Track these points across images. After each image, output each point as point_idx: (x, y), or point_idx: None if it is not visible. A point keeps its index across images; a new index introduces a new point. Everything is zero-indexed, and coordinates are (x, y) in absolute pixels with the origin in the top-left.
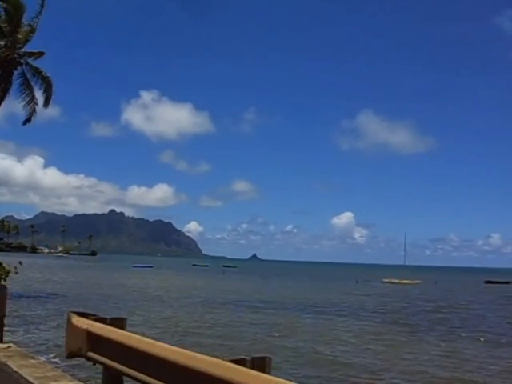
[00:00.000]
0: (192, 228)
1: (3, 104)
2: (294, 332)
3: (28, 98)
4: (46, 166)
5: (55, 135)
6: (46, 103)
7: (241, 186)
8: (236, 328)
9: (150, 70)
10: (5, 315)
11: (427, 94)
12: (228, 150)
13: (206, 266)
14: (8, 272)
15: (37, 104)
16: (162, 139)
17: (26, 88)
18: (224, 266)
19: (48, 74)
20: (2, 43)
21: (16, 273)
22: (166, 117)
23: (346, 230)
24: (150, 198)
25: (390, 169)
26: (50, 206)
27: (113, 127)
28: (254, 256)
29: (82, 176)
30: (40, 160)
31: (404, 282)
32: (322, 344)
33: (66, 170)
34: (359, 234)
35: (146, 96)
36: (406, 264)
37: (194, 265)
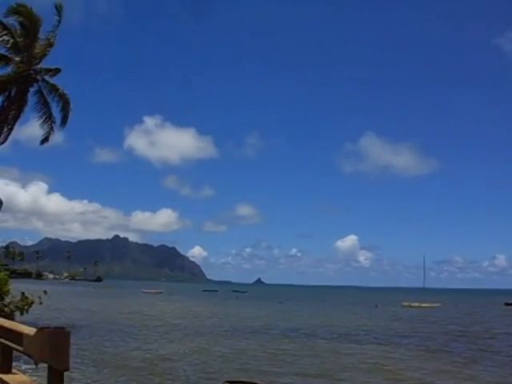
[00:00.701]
0: (196, 253)
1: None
2: (346, 366)
3: (45, 117)
4: (49, 191)
5: (59, 161)
6: (64, 122)
7: (244, 210)
8: (296, 361)
9: (153, 95)
10: (67, 369)
11: (430, 115)
12: (231, 175)
13: (216, 290)
14: (32, 303)
15: (54, 122)
16: (165, 164)
17: (43, 106)
18: (233, 291)
19: (65, 92)
20: (18, 59)
21: (41, 303)
22: (169, 142)
23: (350, 253)
24: (154, 223)
25: (394, 191)
26: (53, 232)
27: (116, 153)
28: (259, 280)
29: (85, 202)
30: (44, 186)
31: (424, 305)
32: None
33: (69, 195)
34: (363, 257)
35: (149, 121)
36: (426, 287)
37: (204, 290)
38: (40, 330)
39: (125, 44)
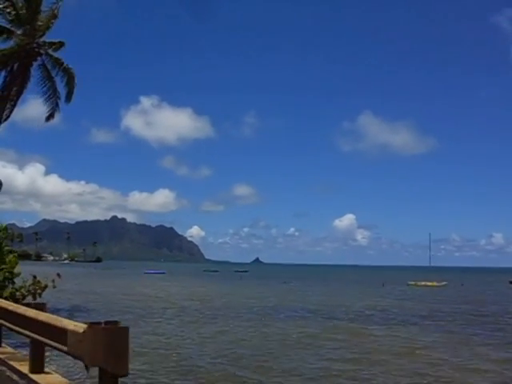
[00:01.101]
0: (194, 233)
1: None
2: (377, 350)
3: (49, 92)
4: (46, 173)
5: (56, 142)
6: (69, 97)
7: (242, 189)
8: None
9: (150, 76)
10: (126, 374)
11: (427, 94)
12: (229, 154)
13: (217, 271)
14: (45, 287)
15: (59, 98)
16: (162, 144)
17: (47, 81)
18: (235, 271)
19: (70, 66)
20: (20, 32)
21: (54, 287)
22: (166, 122)
23: (347, 231)
24: (152, 203)
25: (392, 170)
26: (51, 214)
27: (113, 133)
28: (257, 260)
29: (83, 183)
30: (41, 167)
31: (429, 284)
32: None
33: (66, 176)
34: (361, 236)
35: (146, 102)
36: (432, 265)
37: (205, 270)
38: (92, 325)
39: (122, 24)
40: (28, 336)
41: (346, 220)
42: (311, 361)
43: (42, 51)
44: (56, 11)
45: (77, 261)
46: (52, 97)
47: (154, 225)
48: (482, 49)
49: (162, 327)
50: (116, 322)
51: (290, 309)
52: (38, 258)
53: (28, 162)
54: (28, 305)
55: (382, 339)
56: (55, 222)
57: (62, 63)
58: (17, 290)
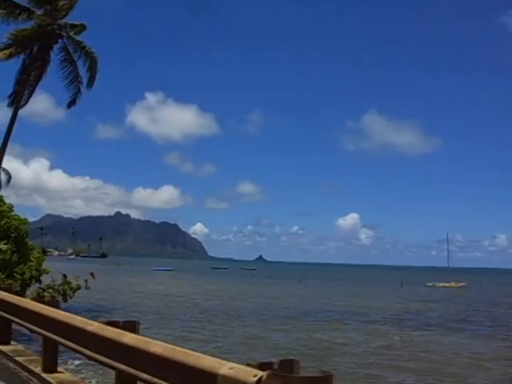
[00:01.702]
0: (198, 230)
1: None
2: (441, 359)
3: (71, 76)
4: (51, 168)
5: (60, 137)
6: (91, 83)
7: (246, 187)
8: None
9: (155, 72)
10: None
11: (433, 94)
12: (233, 152)
13: (226, 268)
14: (78, 288)
15: (81, 83)
16: (167, 141)
17: (69, 64)
18: (242, 269)
19: (92, 49)
20: (41, 12)
21: (87, 287)
22: (171, 118)
23: (351, 231)
24: (156, 199)
25: (396, 169)
26: (55, 209)
27: (118, 129)
28: (261, 257)
29: (87, 178)
30: (45, 162)
31: (448, 285)
32: None
33: (71, 172)
34: (365, 235)
35: (151, 98)
36: (450, 266)
37: (214, 268)
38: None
39: (127, 20)
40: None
41: (350, 219)
42: (366, 365)
43: (63, 33)
44: None
45: (82, 256)
46: (74, 81)
47: (157, 221)
48: (488, 49)
49: (195, 331)
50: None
51: (320, 310)
52: (44, 252)
53: (33, 156)
54: (113, 324)
55: (437, 347)
56: (59, 217)
57: (85, 46)
58: (44, 290)
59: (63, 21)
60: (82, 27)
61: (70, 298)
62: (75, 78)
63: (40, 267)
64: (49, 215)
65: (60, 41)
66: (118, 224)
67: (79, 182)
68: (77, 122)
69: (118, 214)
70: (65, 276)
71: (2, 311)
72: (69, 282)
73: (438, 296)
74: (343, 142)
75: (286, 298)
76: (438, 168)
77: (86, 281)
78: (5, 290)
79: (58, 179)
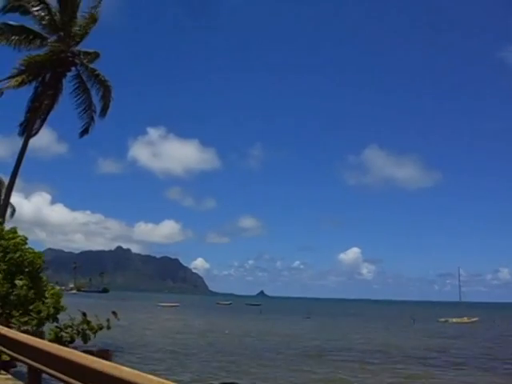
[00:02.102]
0: (199, 264)
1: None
2: None
3: (85, 105)
4: (52, 202)
5: (62, 172)
6: (104, 112)
7: (247, 222)
8: None
9: (157, 106)
10: None
11: (433, 128)
12: (234, 186)
13: (230, 303)
14: (100, 328)
15: (95, 112)
16: (168, 175)
17: (83, 93)
18: (247, 305)
19: (106, 78)
20: (55, 38)
21: (109, 328)
22: (172, 153)
23: (353, 265)
24: (157, 234)
25: (397, 204)
26: (56, 243)
27: (120, 164)
28: (262, 292)
29: (88, 212)
30: (47, 196)
31: (460, 320)
32: None
33: (72, 206)
34: (366, 270)
35: (153, 132)
36: (462, 300)
37: (218, 303)
38: None
39: (128, 54)
40: None
41: (351, 254)
42: None
43: (77, 60)
44: (96, 14)
45: (83, 291)
46: (87, 110)
47: (158, 256)
48: (489, 82)
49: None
50: None
51: (340, 349)
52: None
53: (34, 190)
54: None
55: None
56: (60, 251)
57: (98, 74)
58: (61, 330)
59: (77, 48)
60: (96, 55)
61: (89, 339)
62: (88, 106)
63: (58, 304)
64: (50, 249)
65: (73, 68)
66: (118, 258)
67: (80, 217)
68: (78, 156)
69: (119, 248)
70: (84, 314)
71: None
72: (88, 322)
73: (454, 332)
74: (344, 176)
75: (300, 335)
76: (438, 202)
77: (107, 320)
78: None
79: (59, 213)
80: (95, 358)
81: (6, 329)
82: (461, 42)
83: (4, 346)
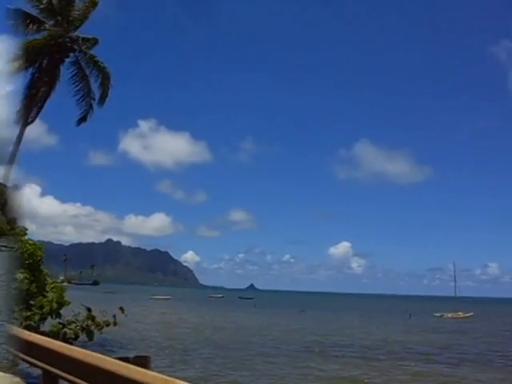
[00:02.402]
0: (189, 258)
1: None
2: None
3: (83, 92)
4: (42, 194)
5: (52, 164)
6: (103, 99)
7: (238, 215)
8: None
9: (148, 99)
10: None
11: (424, 123)
12: (225, 180)
13: (222, 297)
14: (107, 325)
15: (93, 99)
16: (159, 168)
17: (81, 80)
18: (240, 298)
19: (105, 65)
20: (51, 22)
21: (115, 324)
22: (163, 146)
23: (343, 259)
24: (147, 227)
25: (387, 198)
26: (46, 235)
27: (110, 156)
28: (252, 286)
29: (78, 205)
30: (37, 188)
31: (456, 315)
32: None
33: (62, 198)
34: (356, 264)
35: (144, 125)
36: (457, 296)
37: (210, 296)
38: None
39: (120, 46)
40: None
41: (341, 248)
42: None
43: (75, 46)
44: None
45: (74, 283)
46: (85, 97)
47: (148, 248)
48: (480, 79)
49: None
50: None
51: (342, 345)
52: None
53: (24, 182)
54: None
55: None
56: (50, 243)
57: (97, 61)
58: (64, 326)
59: (75, 33)
60: (95, 41)
61: (91, 338)
62: (87, 93)
63: (62, 299)
64: (39, 242)
65: (71, 54)
66: (108, 251)
67: (70, 209)
68: (69, 148)
69: (109, 241)
70: (89, 309)
71: None
72: (93, 317)
73: (452, 327)
74: (335, 170)
75: (299, 330)
76: (429, 196)
77: (114, 316)
78: None
79: (49, 205)
80: (130, 366)
81: (22, 331)
82: (453, 37)
83: (21, 351)
